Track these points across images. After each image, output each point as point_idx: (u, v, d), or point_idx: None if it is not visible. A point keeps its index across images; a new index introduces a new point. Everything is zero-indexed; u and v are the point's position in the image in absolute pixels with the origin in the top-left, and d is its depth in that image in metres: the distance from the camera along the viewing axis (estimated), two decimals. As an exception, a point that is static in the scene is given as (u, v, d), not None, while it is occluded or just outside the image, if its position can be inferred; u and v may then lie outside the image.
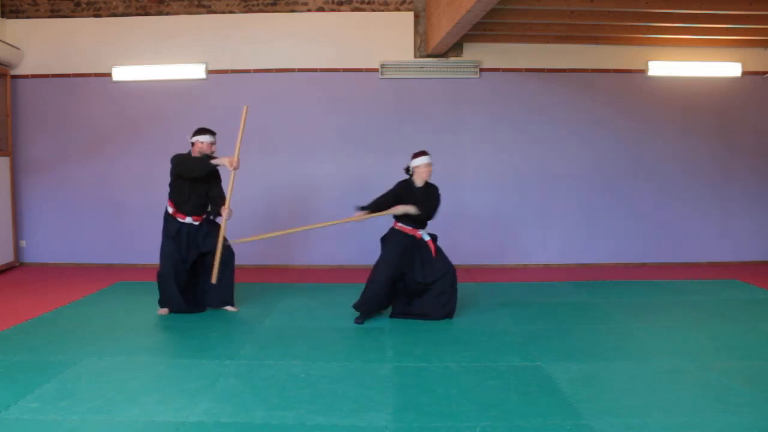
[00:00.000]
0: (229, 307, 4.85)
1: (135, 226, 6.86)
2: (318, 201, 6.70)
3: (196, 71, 6.71)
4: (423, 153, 4.67)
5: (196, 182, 4.66)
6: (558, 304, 5.12)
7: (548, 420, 2.88)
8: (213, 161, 4.58)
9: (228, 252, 4.77)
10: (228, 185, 4.65)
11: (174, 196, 4.72)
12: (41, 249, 6.93)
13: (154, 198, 6.84)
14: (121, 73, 6.72)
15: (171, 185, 4.72)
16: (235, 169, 4.57)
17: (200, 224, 4.76)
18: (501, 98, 6.76)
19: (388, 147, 6.69)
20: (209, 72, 6.73)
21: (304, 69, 6.73)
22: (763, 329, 4.36)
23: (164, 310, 4.75)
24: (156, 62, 6.71)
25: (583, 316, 4.73)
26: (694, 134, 6.89)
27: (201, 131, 4.76)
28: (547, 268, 6.81)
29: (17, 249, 6.86)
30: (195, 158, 4.63)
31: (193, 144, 4.75)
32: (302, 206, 6.75)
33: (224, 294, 4.80)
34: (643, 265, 6.92)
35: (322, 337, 4.23)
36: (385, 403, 3.08)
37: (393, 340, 4.13)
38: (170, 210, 4.72)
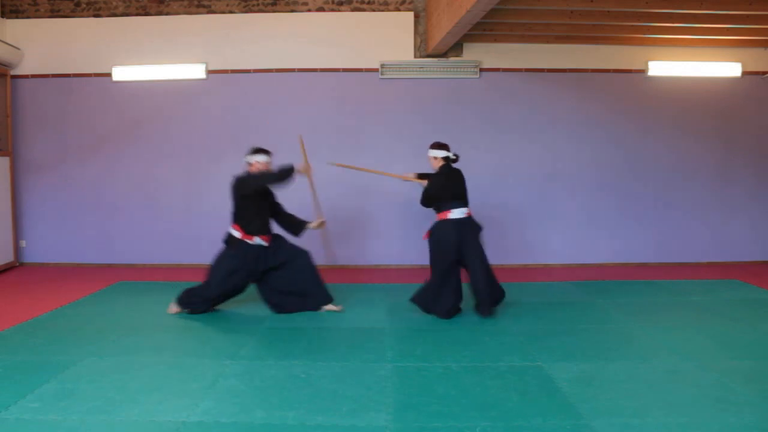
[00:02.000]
0: (330, 306, 4.85)
1: (135, 226, 6.86)
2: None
3: (196, 71, 6.71)
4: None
5: (262, 201, 4.65)
6: (558, 304, 5.12)
7: (548, 420, 2.88)
8: (297, 169, 4.58)
9: (305, 257, 4.80)
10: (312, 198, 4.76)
11: (240, 220, 4.63)
12: (41, 249, 6.93)
13: (154, 198, 6.87)
14: (121, 73, 6.72)
15: (236, 209, 4.64)
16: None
17: (269, 244, 4.74)
18: (501, 98, 6.76)
19: (388, 147, 6.70)
20: (209, 72, 6.73)
21: (304, 69, 6.73)
22: (763, 329, 4.36)
23: (178, 309, 4.75)
24: (156, 62, 6.71)
25: (583, 316, 4.73)
26: (694, 134, 6.89)
27: (259, 151, 4.70)
28: (547, 268, 6.81)
29: (17, 249, 6.86)
30: (277, 172, 4.54)
31: (250, 164, 4.70)
32: (302, 206, 6.74)
33: (324, 294, 4.83)
34: (643, 265, 6.92)
35: (322, 337, 4.23)
36: (385, 403, 3.08)
37: (393, 340, 4.13)
38: (238, 234, 4.64)
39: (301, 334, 4.28)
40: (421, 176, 4.95)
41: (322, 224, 4.89)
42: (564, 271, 6.65)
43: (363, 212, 6.67)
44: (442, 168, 4.73)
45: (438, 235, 4.63)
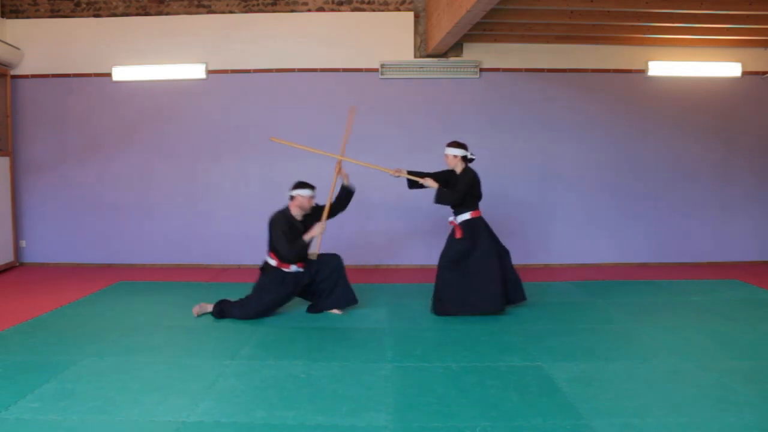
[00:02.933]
0: (335, 310, 4.86)
1: (135, 226, 6.87)
2: (317, 201, 6.69)
3: (196, 71, 6.71)
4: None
5: (297, 236, 4.64)
6: (558, 304, 5.12)
7: (548, 420, 2.88)
8: (306, 237, 4.58)
9: (337, 261, 4.82)
10: (326, 204, 4.76)
11: (275, 251, 4.64)
12: (41, 249, 6.93)
13: (155, 198, 6.87)
14: (121, 73, 6.73)
15: (271, 241, 4.65)
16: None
17: (304, 269, 4.75)
18: (501, 98, 6.76)
19: (388, 147, 6.69)
20: (209, 72, 6.73)
21: (304, 69, 6.74)
22: (763, 329, 4.36)
23: (207, 309, 4.74)
24: (156, 62, 6.71)
25: (583, 317, 4.73)
26: (694, 134, 6.89)
27: (302, 185, 4.67)
28: (547, 268, 6.81)
29: (17, 249, 6.86)
30: (290, 246, 4.53)
31: (292, 198, 4.68)
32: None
33: (351, 293, 4.84)
34: (643, 265, 6.92)
35: (322, 337, 4.22)
36: (385, 403, 3.08)
37: (393, 340, 4.13)
38: (273, 263, 4.65)
39: (301, 334, 4.28)
40: (412, 173, 4.89)
41: (321, 228, 4.76)
42: (564, 271, 6.65)
43: (363, 212, 6.67)
44: (467, 167, 4.80)
45: (476, 232, 4.72)
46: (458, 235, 4.76)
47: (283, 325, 4.51)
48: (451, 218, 4.88)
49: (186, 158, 6.81)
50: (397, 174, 4.91)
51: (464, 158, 4.80)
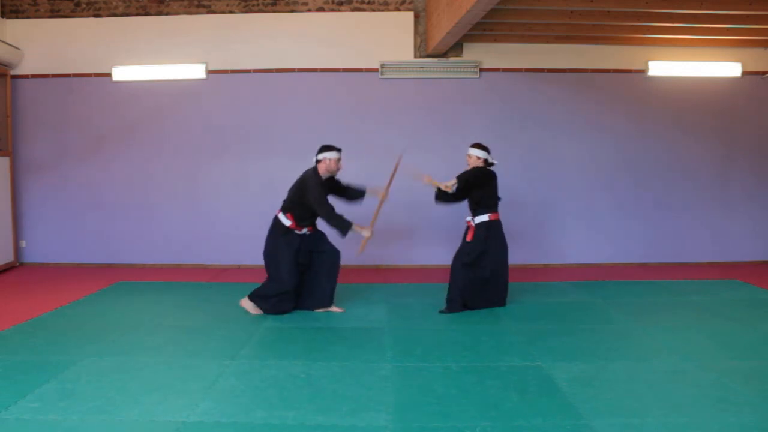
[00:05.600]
0: (334, 308, 4.89)
1: (135, 226, 6.87)
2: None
3: (196, 71, 6.71)
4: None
5: None
6: (558, 304, 5.12)
7: (548, 420, 2.88)
8: (353, 229, 4.58)
9: (336, 256, 4.88)
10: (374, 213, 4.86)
11: (295, 211, 4.71)
12: (41, 249, 6.93)
13: (154, 198, 6.87)
14: (121, 73, 6.72)
15: (294, 202, 4.70)
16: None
17: (313, 232, 4.85)
18: (501, 98, 6.76)
19: (388, 147, 6.66)
20: (209, 72, 6.73)
21: (304, 69, 6.73)
22: (763, 329, 4.36)
23: (258, 311, 4.76)
24: (156, 62, 6.71)
25: (583, 316, 4.73)
26: (694, 134, 6.89)
27: (327, 148, 4.72)
28: (547, 268, 6.81)
29: (17, 249, 6.86)
30: (336, 218, 4.59)
31: (319, 161, 4.72)
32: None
33: (328, 297, 4.87)
34: (643, 265, 6.92)
35: (322, 337, 4.22)
36: (385, 403, 3.08)
37: (393, 340, 4.13)
38: (288, 223, 4.70)
39: (301, 334, 4.28)
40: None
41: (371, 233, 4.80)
42: (564, 271, 6.65)
43: (363, 212, 6.66)
44: (489, 170, 4.86)
45: (491, 233, 4.79)
46: (468, 237, 4.82)
47: (283, 325, 4.51)
48: (468, 218, 4.91)
49: (186, 158, 6.81)
50: (428, 182, 4.93)
51: (485, 161, 4.87)
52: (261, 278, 6.26)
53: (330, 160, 4.70)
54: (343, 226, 4.57)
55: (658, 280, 6.05)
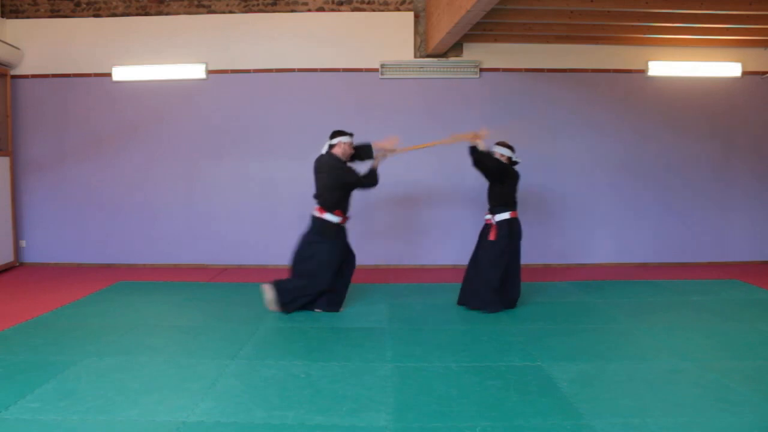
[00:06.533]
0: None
1: (135, 226, 6.86)
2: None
3: (196, 71, 6.71)
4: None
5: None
6: (558, 304, 5.12)
7: (548, 420, 2.88)
8: (376, 164, 4.80)
9: (355, 261, 4.95)
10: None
11: (342, 205, 4.74)
12: (41, 249, 6.93)
13: (154, 198, 6.87)
14: (121, 73, 6.72)
15: (336, 197, 4.69)
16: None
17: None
18: (501, 98, 6.75)
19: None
20: (209, 72, 6.73)
21: (304, 69, 6.73)
22: (763, 329, 4.36)
23: (276, 306, 4.77)
24: (156, 62, 6.71)
25: (583, 316, 4.73)
26: (694, 134, 6.89)
27: (340, 133, 4.79)
28: (547, 268, 6.80)
29: (17, 249, 6.86)
30: (372, 177, 4.76)
31: (333, 146, 4.76)
32: (302, 206, 6.75)
33: (341, 301, 4.90)
34: (643, 265, 6.92)
35: (322, 337, 4.22)
36: (385, 403, 3.08)
37: (393, 340, 4.13)
38: (338, 220, 4.71)
39: (301, 334, 4.28)
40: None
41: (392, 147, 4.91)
42: (564, 271, 6.65)
43: (362, 212, 6.67)
44: (515, 169, 4.90)
45: (513, 231, 4.82)
46: (492, 236, 4.80)
47: (283, 325, 4.51)
48: (488, 216, 4.92)
49: (186, 158, 6.81)
50: (474, 138, 4.88)
51: (510, 159, 4.90)
52: (261, 278, 6.26)
53: (345, 143, 4.76)
54: (376, 177, 4.76)
55: (658, 280, 6.05)
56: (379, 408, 3.01)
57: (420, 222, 6.81)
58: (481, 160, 4.76)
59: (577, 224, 6.90)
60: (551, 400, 3.11)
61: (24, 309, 4.84)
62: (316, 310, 4.85)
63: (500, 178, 4.82)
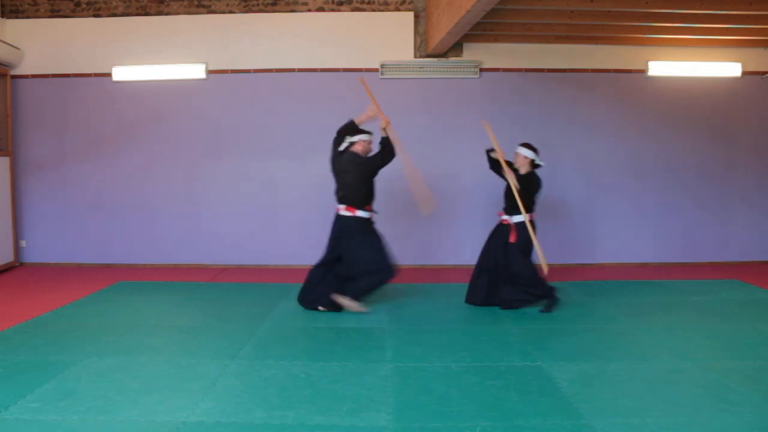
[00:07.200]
0: (346, 302, 4.92)
1: (135, 226, 6.86)
2: (318, 200, 6.70)
3: (196, 71, 6.71)
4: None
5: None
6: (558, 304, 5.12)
7: (548, 420, 2.88)
8: (388, 136, 4.85)
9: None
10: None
11: (368, 199, 4.82)
12: (41, 249, 6.93)
13: (154, 198, 6.87)
14: (121, 73, 6.72)
15: (359, 191, 4.75)
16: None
17: None
18: (501, 98, 6.75)
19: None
20: (209, 72, 6.73)
21: (304, 69, 6.73)
22: (763, 329, 4.36)
23: (363, 308, 4.84)
24: (156, 62, 6.71)
25: (583, 317, 4.72)
26: (694, 134, 6.89)
27: (360, 131, 4.88)
28: (547, 268, 6.78)
29: (17, 249, 6.86)
30: (389, 150, 4.81)
31: (353, 143, 4.85)
32: (302, 206, 6.76)
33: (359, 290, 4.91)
34: (642, 265, 6.92)
35: (322, 337, 4.23)
36: (385, 403, 3.08)
37: (393, 340, 4.13)
38: (368, 215, 4.81)
39: (301, 334, 4.28)
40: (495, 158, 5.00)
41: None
42: (564, 271, 6.64)
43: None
44: (533, 172, 4.87)
45: (531, 234, 4.79)
46: (512, 239, 4.80)
47: (283, 325, 4.51)
48: (506, 217, 4.91)
49: (186, 158, 6.81)
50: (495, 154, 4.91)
51: (532, 162, 4.86)
52: (261, 278, 6.28)
53: (365, 141, 4.87)
54: (392, 146, 4.82)
55: (658, 281, 6.05)
56: (379, 408, 3.01)
57: (420, 222, 6.80)
58: (499, 173, 4.90)
59: (577, 224, 6.90)
60: (551, 400, 3.11)
61: (24, 309, 4.84)
62: (320, 308, 4.84)
63: (522, 191, 4.76)
